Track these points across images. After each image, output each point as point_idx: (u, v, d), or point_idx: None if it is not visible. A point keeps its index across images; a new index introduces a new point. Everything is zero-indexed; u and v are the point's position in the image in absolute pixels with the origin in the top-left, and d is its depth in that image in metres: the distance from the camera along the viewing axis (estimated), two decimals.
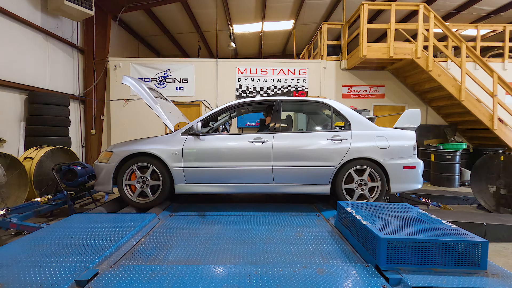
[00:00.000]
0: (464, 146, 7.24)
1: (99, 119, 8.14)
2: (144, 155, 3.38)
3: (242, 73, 8.44)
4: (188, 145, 3.40)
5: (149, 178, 3.37)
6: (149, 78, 8.26)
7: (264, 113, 4.43)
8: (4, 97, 5.54)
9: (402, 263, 1.82)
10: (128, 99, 8.21)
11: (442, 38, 10.15)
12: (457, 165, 6.89)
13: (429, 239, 1.82)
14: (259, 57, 14.52)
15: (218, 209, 3.47)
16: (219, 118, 4.03)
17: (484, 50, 9.78)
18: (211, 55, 14.51)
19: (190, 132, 3.44)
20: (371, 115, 6.46)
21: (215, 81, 8.38)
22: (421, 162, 3.49)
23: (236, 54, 14.84)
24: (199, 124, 3.36)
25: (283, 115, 3.73)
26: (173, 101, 5.33)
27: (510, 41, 8.11)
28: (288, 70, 8.45)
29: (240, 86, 8.44)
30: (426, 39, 7.03)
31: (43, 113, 6.03)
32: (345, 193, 3.38)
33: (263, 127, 4.15)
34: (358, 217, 2.26)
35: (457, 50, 9.42)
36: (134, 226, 2.59)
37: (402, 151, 3.40)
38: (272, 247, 2.33)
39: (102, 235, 2.35)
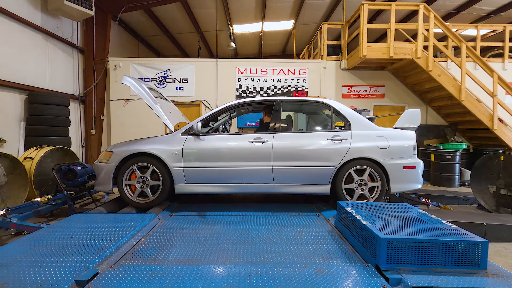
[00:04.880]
0: (464, 146, 7.24)
1: (99, 119, 8.14)
2: (144, 155, 3.38)
3: (242, 73, 8.44)
4: (188, 145, 3.40)
5: (149, 178, 3.37)
6: (149, 78, 8.26)
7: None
8: (4, 97, 5.54)
9: (402, 263, 1.82)
10: (128, 99, 8.21)
11: (442, 38, 10.15)
12: (457, 165, 6.89)
13: (429, 239, 1.82)
14: (259, 57, 14.52)
15: (218, 209, 3.47)
16: (219, 118, 4.03)
17: (484, 50, 9.78)
18: (211, 55, 14.51)
19: (190, 132, 3.44)
20: (371, 115, 6.46)
21: (215, 81, 8.38)
22: (421, 162, 3.49)
23: (236, 54, 14.83)
24: (199, 124, 3.36)
25: (283, 115, 3.73)
26: (173, 101, 5.33)
27: (510, 41, 8.11)
28: (288, 70, 8.45)
29: (240, 86, 8.44)
30: (426, 39, 7.03)
31: (43, 113, 6.03)
32: (345, 193, 3.37)
33: (262, 127, 4.14)
34: (358, 217, 2.26)
35: (457, 50, 9.42)
36: (134, 226, 2.59)
37: (402, 151, 3.40)
38: (272, 247, 2.33)
39: (102, 235, 2.35)
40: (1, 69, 5.43)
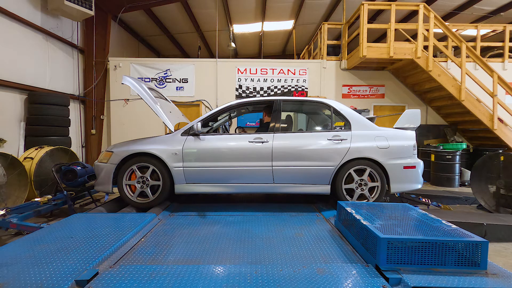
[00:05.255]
0: (464, 146, 7.23)
1: (99, 119, 8.14)
2: (144, 155, 3.38)
3: (242, 73, 8.44)
4: (188, 145, 3.40)
5: (149, 178, 3.37)
6: (149, 78, 8.26)
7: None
8: (4, 97, 5.54)
9: (402, 263, 1.82)
10: (128, 99, 8.21)
11: (442, 38, 10.15)
12: (457, 165, 6.89)
13: (429, 239, 1.82)
14: (259, 57, 14.52)
15: (218, 209, 3.47)
16: (219, 118, 4.03)
17: (484, 50, 9.78)
18: (211, 55, 14.51)
19: (190, 132, 3.44)
20: (371, 115, 6.45)
21: (215, 81, 8.39)
22: (421, 162, 3.49)
23: (236, 54, 14.83)
24: (199, 124, 3.36)
25: (283, 115, 3.73)
26: (173, 101, 5.32)
27: (510, 41, 8.11)
28: (288, 70, 8.45)
29: (240, 86, 8.44)
30: (426, 39, 7.03)
31: (43, 113, 6.03)
32: (345, 193, 3.37)
33: (262, 127, 4.14)
34: (358, 217, 2.26)
35: (457, 50, 9.42)
36: (134, 226, 2.59)
37: (402, 151, 3.40)
38: (272, 247, 2.33)
39: (102, 235, 2.35)
40: (1, 69, 5.43)
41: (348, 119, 3.53)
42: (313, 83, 8.48)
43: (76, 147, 7.58)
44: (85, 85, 7.93)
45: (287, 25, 11.33)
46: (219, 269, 1.86)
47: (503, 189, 4.49)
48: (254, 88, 8.45)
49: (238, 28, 11.48)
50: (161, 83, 8.29)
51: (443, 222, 2.18)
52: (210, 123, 3.92)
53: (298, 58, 12.35)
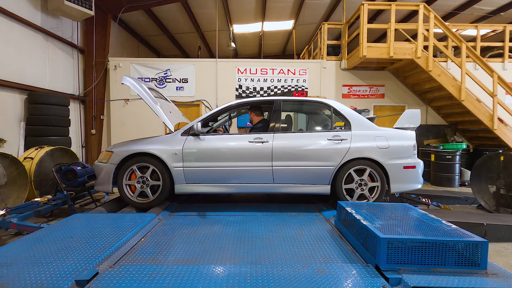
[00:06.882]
0: (464, 146, 7.23)
1: (99, 119, 8.14)
2: (144, 155, 3.38)
3: (242, 73, 8.44)
4: (188, 145, 3.40)
5: (149, 178, 3.37)
6: (149, 78, 8.26)
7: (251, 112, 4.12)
8: (4, 97, 5.54)
9: (402, 263, 1.82)
10: (128, 99, 8.21)
11: (442, 38, 10.15)
12: (457, 165, 6.89)
13: (429, 239, 1.82)
14: (259, 57, 14.52)
15: (218, 209, 3.47)
16: (219, 118, 4.02)
17: (484, 50, 9.78)
18: (211, 55, 14.50)
19: (190, 132, 3.44)
20: (371, 115, 6.45)
21: (215, 81, 8.38)
22: (421, 162, 3.49)
23: (236, 54, 14.83)
24: (199, 124, 3.36)
25: (283, 115, 3.73)
26: (173, 101, 5.33)
27: (510, 41, 8.11)
28: (288, 70, 8.44)
29: (240, 86, 8.44)
30: (426, 39, 7.03)
31: (43, 113, 6.02)
32: (345, 193, 3.37)
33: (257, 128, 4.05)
34: (358, 217, 2.26)
35: (457, 50, 9.42)
36: (134, 226, 2.59)
37: (402, 151, 3.40)
38: (272, 247, 2.33)
39: (102, 235, 2.35)
40: (1, 69, 5.42)
41: (348, 119, 3.53)
42: (313, 83, 8.47)
43: (76, 147, 7.57)
44: (85, 85, 7.93)
45: (287, 25, 11.32)
46: (219, 269, 1.85)
47: (503, 189, 4.49)
48: (254, 88, 8.45)
49: (238, 28, 11.48)
50: (161, 83, 8.29)
51: (443, 222, 2.18)
52: (210, 123, 3.92)
53: (298, 58, 12.34)
